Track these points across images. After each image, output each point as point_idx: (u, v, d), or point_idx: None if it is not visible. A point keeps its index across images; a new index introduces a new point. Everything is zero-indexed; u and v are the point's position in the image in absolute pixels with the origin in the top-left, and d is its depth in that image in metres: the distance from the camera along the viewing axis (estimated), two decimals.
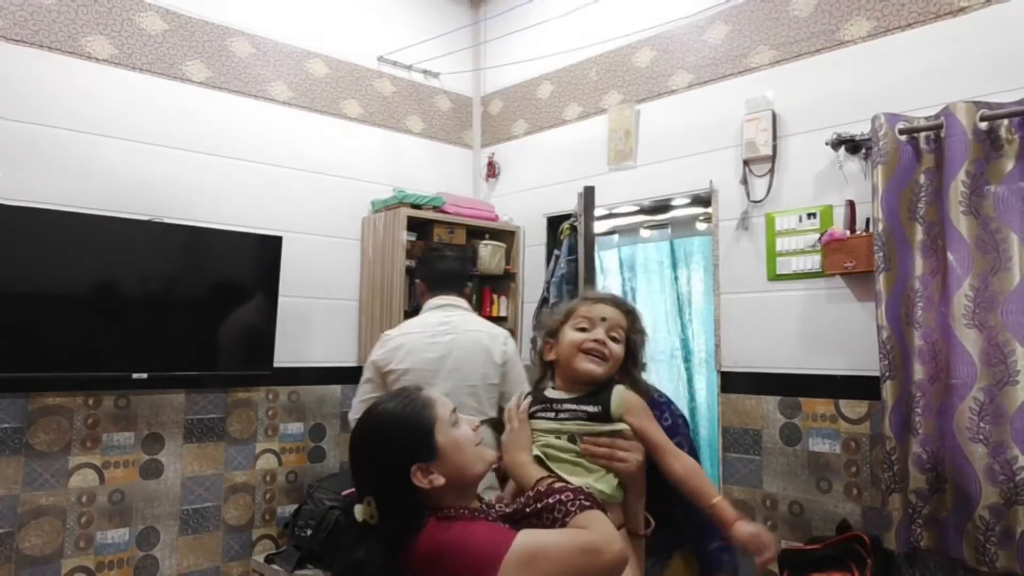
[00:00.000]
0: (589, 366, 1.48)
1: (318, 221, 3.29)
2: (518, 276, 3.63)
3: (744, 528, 1.38)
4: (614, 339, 1.51)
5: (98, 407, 2.66)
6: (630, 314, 1.58)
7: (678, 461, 1.46)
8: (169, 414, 2.82)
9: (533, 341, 3.21)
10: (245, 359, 2.89)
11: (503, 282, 3.67)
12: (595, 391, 1.49)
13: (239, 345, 2.87)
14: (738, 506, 2.54)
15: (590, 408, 1.47)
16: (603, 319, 1.51)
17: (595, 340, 1.49)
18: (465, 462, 1.21)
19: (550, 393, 1.54)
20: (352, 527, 1.20)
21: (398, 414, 1.21)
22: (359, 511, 1.17)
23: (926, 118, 2.18)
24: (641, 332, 1.57)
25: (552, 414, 1.49)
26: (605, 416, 1.45)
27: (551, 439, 1.44)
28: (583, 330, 1.51)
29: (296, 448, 3.16)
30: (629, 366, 1.54)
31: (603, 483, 1.40)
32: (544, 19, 3.59)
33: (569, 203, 3.03)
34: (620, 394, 1.48)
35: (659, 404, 1.63)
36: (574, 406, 1.48)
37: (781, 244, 2.61)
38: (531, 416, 1.50)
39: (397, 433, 1.19)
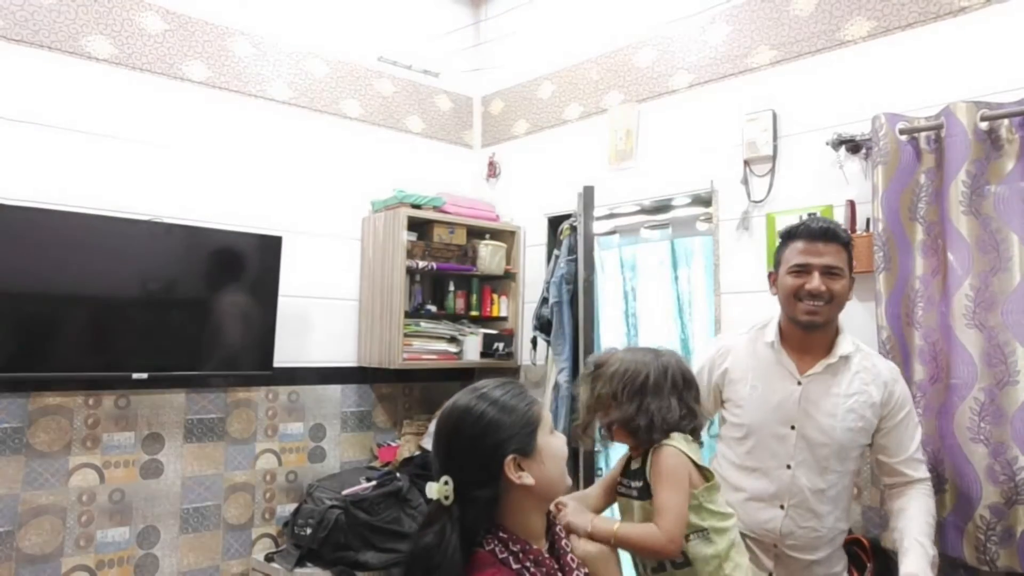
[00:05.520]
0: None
1: (318, 221, 3.29)
2: (518, 276, 3.63)
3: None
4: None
5: (98, 407, 2.66)
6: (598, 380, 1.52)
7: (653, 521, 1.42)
8: (169, 414, 2.82)
9: (533, 341, 3.23)
10: (245, 359, 2.89)
11: (503, 282, 3.67)
12: (644, 460, 1.45)
13: (239, 345, 2.87)
14: None
15: (636, 483, 1.45)
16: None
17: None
18: (556, 472, 1.21)
19: (631, 462, 1.52)
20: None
21: (508, 401, 1.18)
22: (433, 489, 1.13)
23: (926, 118, 2.18)
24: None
25: (625, 489, 1.50)
26: (647, 489, 1.43)
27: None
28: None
29: (296, 448, 3.16)
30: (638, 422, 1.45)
31: None
32: (544, 19, 3.59)
33: (569, 203, 3.03)
34: (651, 461, 1.43)
35: None
36: (628, 482, 1.47)
37: None
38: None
39: (503, 418, 1.16)
